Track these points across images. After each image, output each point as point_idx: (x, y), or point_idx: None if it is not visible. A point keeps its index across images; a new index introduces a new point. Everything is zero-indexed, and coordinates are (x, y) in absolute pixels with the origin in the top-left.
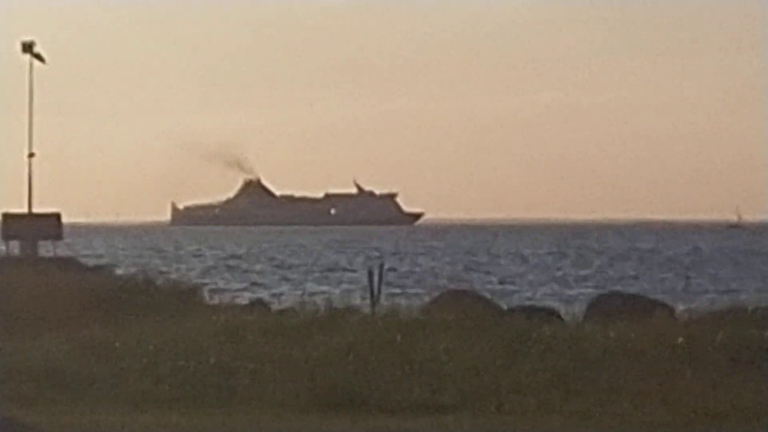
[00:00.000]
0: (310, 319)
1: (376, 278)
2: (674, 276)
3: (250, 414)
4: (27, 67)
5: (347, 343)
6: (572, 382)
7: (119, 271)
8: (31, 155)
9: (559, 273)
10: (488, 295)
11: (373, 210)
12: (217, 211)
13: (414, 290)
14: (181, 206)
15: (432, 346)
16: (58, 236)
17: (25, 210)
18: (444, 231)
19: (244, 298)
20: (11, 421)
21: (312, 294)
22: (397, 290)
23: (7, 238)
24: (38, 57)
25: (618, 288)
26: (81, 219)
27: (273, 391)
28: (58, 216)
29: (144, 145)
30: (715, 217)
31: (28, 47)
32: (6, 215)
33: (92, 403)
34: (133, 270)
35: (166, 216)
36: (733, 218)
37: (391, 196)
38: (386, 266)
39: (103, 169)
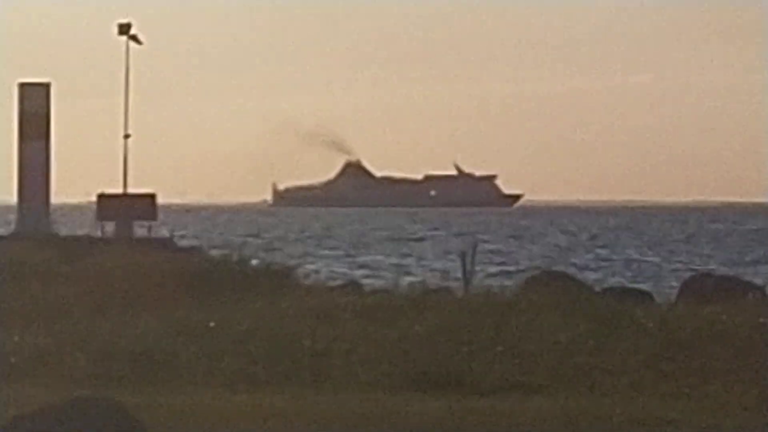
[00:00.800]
0: (404, 300)
1: (469, 259)
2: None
3: (343, 395)
4: (123, 48)
5: (440, 324)
6: (664, 364)
7: (214, 252)
8: (126, 136)
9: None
10: (581, 277)
11: (472, 192)
12: (317, 192)
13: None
14: (281, 187)
15: (525, 327)
16: (153, 217)
17: (120, 191)
18: (542, 213)
19: (339, 280)
20: (108, 401)
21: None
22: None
23: (103, 218)
24: (135, 39)
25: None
26: (176, 200)
27: (366, 373)
28: (153, 197)
29: (240, 126)
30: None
31: (124, 29)
32: (101, 195)
33: (187, 383)
34: (227, 251)
35: (265, 197)
36: None
37: (491, 178)
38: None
39: (199, 150)
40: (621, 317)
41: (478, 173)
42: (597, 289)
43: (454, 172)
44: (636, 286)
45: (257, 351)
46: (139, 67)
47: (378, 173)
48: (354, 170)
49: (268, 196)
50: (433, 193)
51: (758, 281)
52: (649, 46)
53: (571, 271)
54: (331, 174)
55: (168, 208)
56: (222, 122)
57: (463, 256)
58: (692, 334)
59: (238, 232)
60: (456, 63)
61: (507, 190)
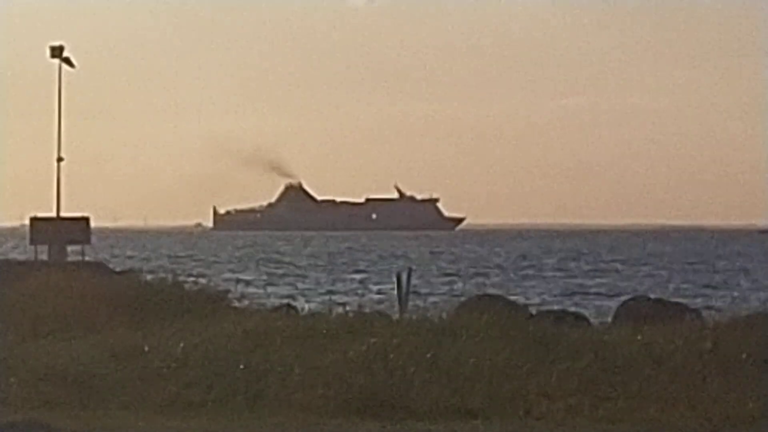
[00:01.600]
0: (339, 323)
1: (404, 283)
2: (702, 280)
3: (278, 418)
4: (56, 71)
5: (375, 348)
6: (600, 387)
7: (148, 276)
8: (59, 159)
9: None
10: (515, 299)
11: (414, 215)
12: (258, 215)
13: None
14: (222, 211)
15: (460, 351)
16: (87, 240)
17: (53, 214)
18: (486, 236)
19: (273, 302)
20: (39, 424)
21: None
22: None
23: (36, 242)
24: (67, 61)
25: (645, 292)
26: (108, 224)
27: (301, 396)
28: (86, 220)
29: (175, 148)
30: (745, 222)
31: (57, 52)
32: (34, 219)
33: (120, 407)
34: (162, 274)
35: (200, 221)
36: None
37: (433, 201)
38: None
39: (133, 173)
40: (557, 340)
41: (419, 196)
42: (533, 311)
43: (395, 195)
44: (572, 309)
45: (192, 375)
46: (71, 90)
47: (319, 197)
48: (295, 193)
49: (204, 220)
50: (374, 216)
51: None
52: (585, 68)
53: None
54: (272, 197)
55: (102, 231)
56: (157, 145)
57: (398, 279)
58: (628, 357)
59: (173, 254)
60: (397, 85)
61: (449, 213)
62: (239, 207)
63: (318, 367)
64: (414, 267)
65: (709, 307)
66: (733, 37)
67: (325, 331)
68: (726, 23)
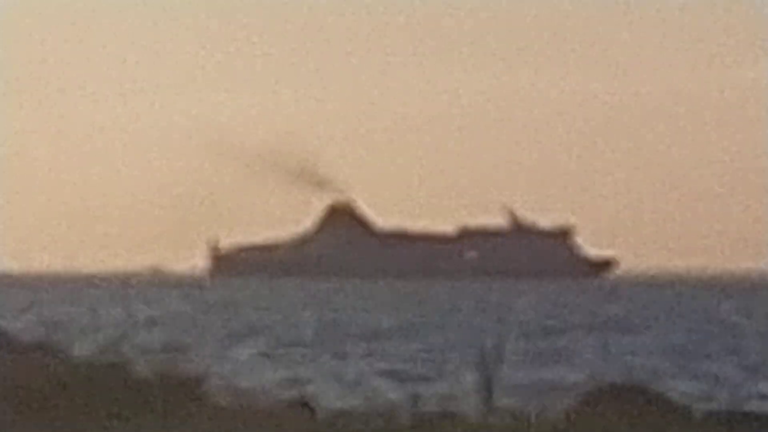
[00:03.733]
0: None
1: (491, 368)
2: None
3: None
4: None
5: None
6: None
7: (78, 351)
8: None
9: None
10: (674, 394)
11: (536, 254)
12: (285, 254)
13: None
14: (226, 247)
15: None
16: None
17: None
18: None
19: (277, 396)
20: None
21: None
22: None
23: None
24: None
25: None
26: (12, 264)
27: None
28: None
29: (128, 150)
30: None
31: None
32: None
33: None
34: (97, 349)
35: (155, 264)
36: None
37: (566, 233)
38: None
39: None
40: None
41: (545, 225)
42: (698, 414)
43: (505, 223)
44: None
45: None
46: None
47: (382, 224)
48: (343, 219)
49: (169, 262)
50: (471, 254)
51: None
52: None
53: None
54: (307, 224)
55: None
56: (91, 144)
57: (482, 362)
58: None
59: (118, 317)
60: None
61: (593, 252)
62: (253, 240)
63: None
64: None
65: None
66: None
67: None
68: None
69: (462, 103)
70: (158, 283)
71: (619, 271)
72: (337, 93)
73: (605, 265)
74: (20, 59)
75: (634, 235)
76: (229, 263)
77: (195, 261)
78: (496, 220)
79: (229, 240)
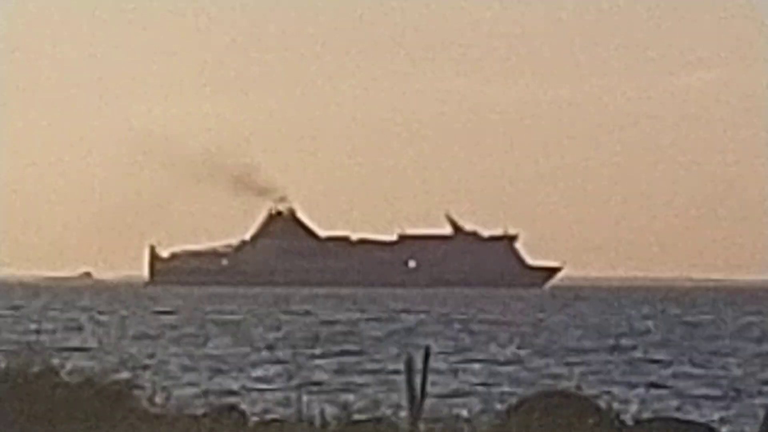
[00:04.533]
0: None
1: (419, 372)
2: None
3: None
4: None
5: None
6: None
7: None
8: None
9: None
10: (601, 402)
11: (477, 262)
12: (224, 261)
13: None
14: (165, 253)
15: None
16: None
17: None
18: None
19: (207, 402)
20: None
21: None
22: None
23: None
24: None
25: None
26: None
27: None
28: None
29: (64, 153)
30: None
31: None
32: None
33: None
34: (21, 354)
35: (87, 269)
36: None
37: (508, 240)
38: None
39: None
40: None
41: (486, 232)
42: (629, 421)
43: (446, 231)
44: (689, 417)
45: None
46: None
47: (323, 231)
48: (284, 225)
49: (100, 268)
50: (412, 263)
51: None
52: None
53: None
54: (247, 231)
55: None
56: (32, 147)
57: (409, 365)
58: None
59: (44, 326)
60: (430, 58)
61: (534, 260)
62: (193, 247)
63: None
64: (433, 345)
65: None
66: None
67: None
68: None
69: (404, 111)
70: (92, 288)
71: (561, 278)
72: (278, 101)
73: (549, 272)
74: None
75: (578, 243)
76: (169, 268)
77: (134, 267)
78: (438, 227)
79: (168, 246)
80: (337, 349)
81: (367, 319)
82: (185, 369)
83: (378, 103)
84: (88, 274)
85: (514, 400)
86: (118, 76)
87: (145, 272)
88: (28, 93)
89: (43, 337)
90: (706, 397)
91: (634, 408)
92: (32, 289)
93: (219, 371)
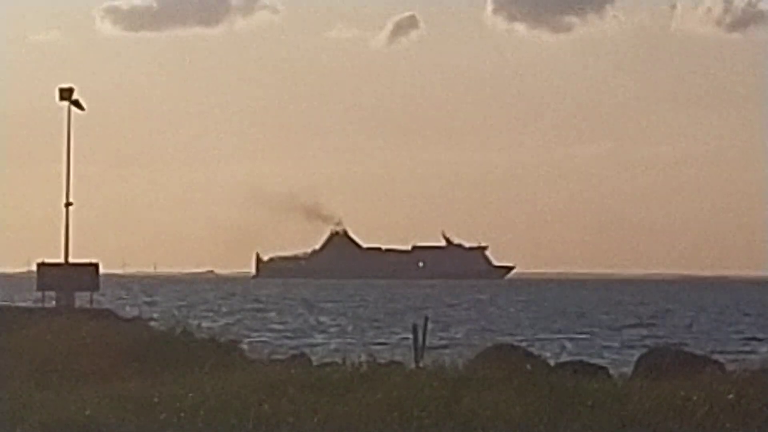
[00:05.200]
0: (353, 373)
1: (420, 333)
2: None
3: None
4: (65, 114)
5: (390, 398)
6: None
7: (157, 324)
8: (68, 204)
9: None
10: (535, 350)
11: (462, 263)
12: (302, 263)
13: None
14: (265, 258)
15: (477, 402)
16: (95, 287)
17: (61, 260)
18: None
19: (285, 352)
20: None
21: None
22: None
23: (44, 288)
24: (76, 104)
25: (667, 343)
26: (118, 270)
27: None
28: (95, 266)
29: (201, 194)
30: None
31: (66, 94)
32: (42, 265)
33: None
34: (172, 322)
35: (210, 268)
36: None
37: (481, 249)
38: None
39: (146, 219)
40: (576, 393)
41: (467, 244)
42: (552, 363)
43: (443, 243)
44: (592, 360)
45: (202, 426)
46: (81, 133)
47: (365, 244)
48: (340, 240)
49: (218, 267)
50: (421, 264)
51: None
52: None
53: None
54: (317, 244)
55: (111, 278)
56: (178, 191)
57: (414, 329)
58: (649, 409)
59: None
60: (433, 131)
61: (498, 262)
62: (283, 254)
63: (331, 418)
64: (429, 316)
65: (733, 360)
66: (751, 81)
67: (338, 382)
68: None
69: (414, 171)
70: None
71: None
72: (342, 156)
73: (506, 269)
74: None
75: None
76: (268, 267)
77: (245, 267)
78: (438, 241)
79: (268, 253)
80: (371, 318)
81: (391, 299)
82: (274, 331)
83: (396, 159)
84: (211, 271)
85: (479, 350)
86: (243, 140)
87: (253, 270)
88: (179, 151)
89: (183, 311)
90: (603, 347)
91: (555, 353)
92: (174, 280)
93: (296, 333)
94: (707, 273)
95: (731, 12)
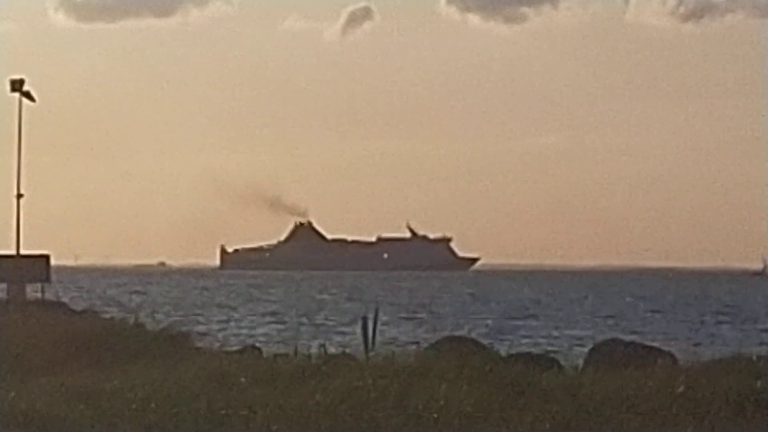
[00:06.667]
0: (304, 365)
1: (371, 324)
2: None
3: None
4: (16, 105)
5: (341, 391)
6: None
7: (108, 315)
8: (19, 196)
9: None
10: (485, 342)
11: (427, 254)
12: (267, 254)
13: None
14: (230, 249)
15: (428, 394)
16: (47, 279)
17: (12, 251)
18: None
19: (236, 343)
20: None
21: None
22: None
23: None
24: (27, 95)
25: (618, 334)
26: (69, 262)
27: None
28: (46, 258)
29: (160, 185)
30: (739, 264)
31: (17, 85)
32: None
33: None
34: (122, 314)
35: (162, 259)
36: (759, 266)
37: (446, 241)
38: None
39: (97, 210)
40: (527, 384)
41: (432, 236)
42: (503, 354)
43: (407, 235)
44: (543, 351)
45: (153, 417)
46: (33, 125)
47: (329, 235)
48: (305, 232)
49: (168, 259)
50: (386, 255)
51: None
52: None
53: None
54: (281, 236)
55: (62, 270)
56: (134, 182)
57: (364, 321)
58: (600, 401)
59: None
60: (394, 121)
61: (463, 253)
62: (248, 246)
63: (282, 411)
64: (379, 308)
65: (684, 350)
66: (717, 70)
67: (289, 374)
68: (714, 57)
69: (380, 164)
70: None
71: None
72: (299, 149)
73: (471, 261)
74: None
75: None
76: (232, 260)
77: (208, 258)
78: (403, 233)
79: (232, 245)
80: (326, 311)
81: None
82: (230, 320)
83: (357, 151)
84: (162, 263)
85: (431, 341)
86: (200, 132)
87: (218, 262)
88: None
89: (136, 302)
90: (554, 337)
91: (506, 345)
92: (125, 273)
93: (255, 323)
94: (678, 264)
95: (685, 3)
